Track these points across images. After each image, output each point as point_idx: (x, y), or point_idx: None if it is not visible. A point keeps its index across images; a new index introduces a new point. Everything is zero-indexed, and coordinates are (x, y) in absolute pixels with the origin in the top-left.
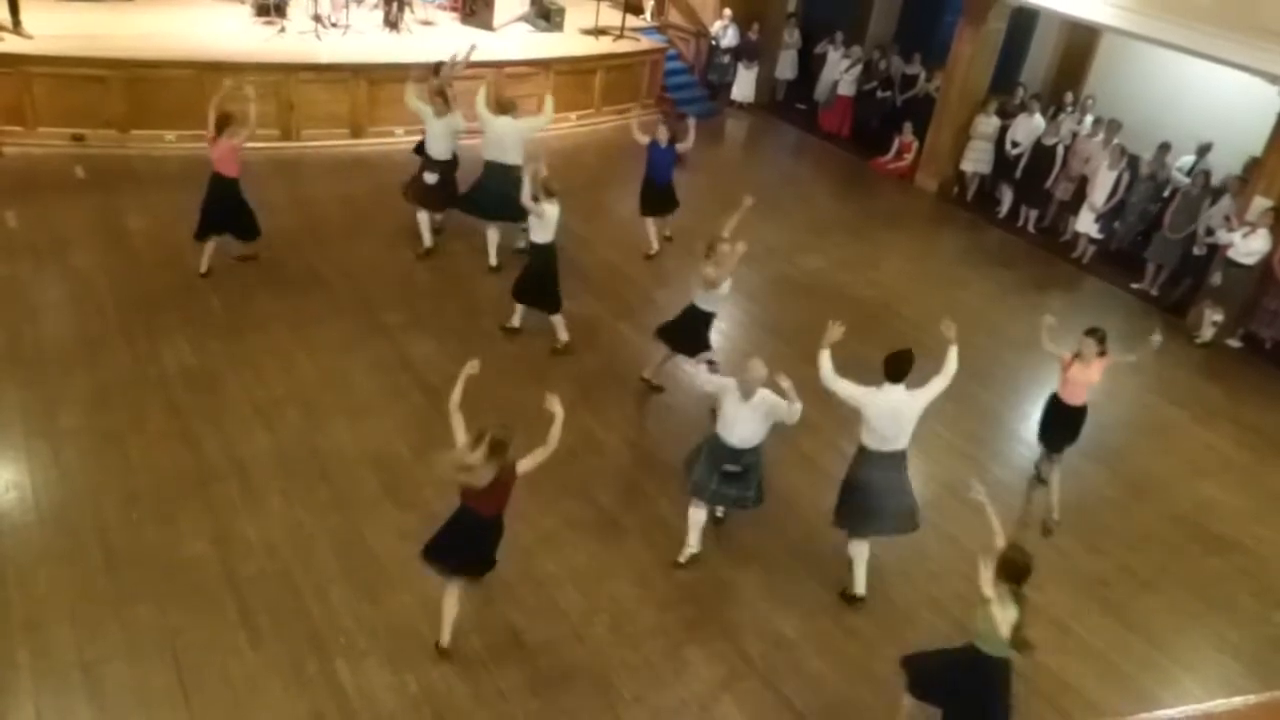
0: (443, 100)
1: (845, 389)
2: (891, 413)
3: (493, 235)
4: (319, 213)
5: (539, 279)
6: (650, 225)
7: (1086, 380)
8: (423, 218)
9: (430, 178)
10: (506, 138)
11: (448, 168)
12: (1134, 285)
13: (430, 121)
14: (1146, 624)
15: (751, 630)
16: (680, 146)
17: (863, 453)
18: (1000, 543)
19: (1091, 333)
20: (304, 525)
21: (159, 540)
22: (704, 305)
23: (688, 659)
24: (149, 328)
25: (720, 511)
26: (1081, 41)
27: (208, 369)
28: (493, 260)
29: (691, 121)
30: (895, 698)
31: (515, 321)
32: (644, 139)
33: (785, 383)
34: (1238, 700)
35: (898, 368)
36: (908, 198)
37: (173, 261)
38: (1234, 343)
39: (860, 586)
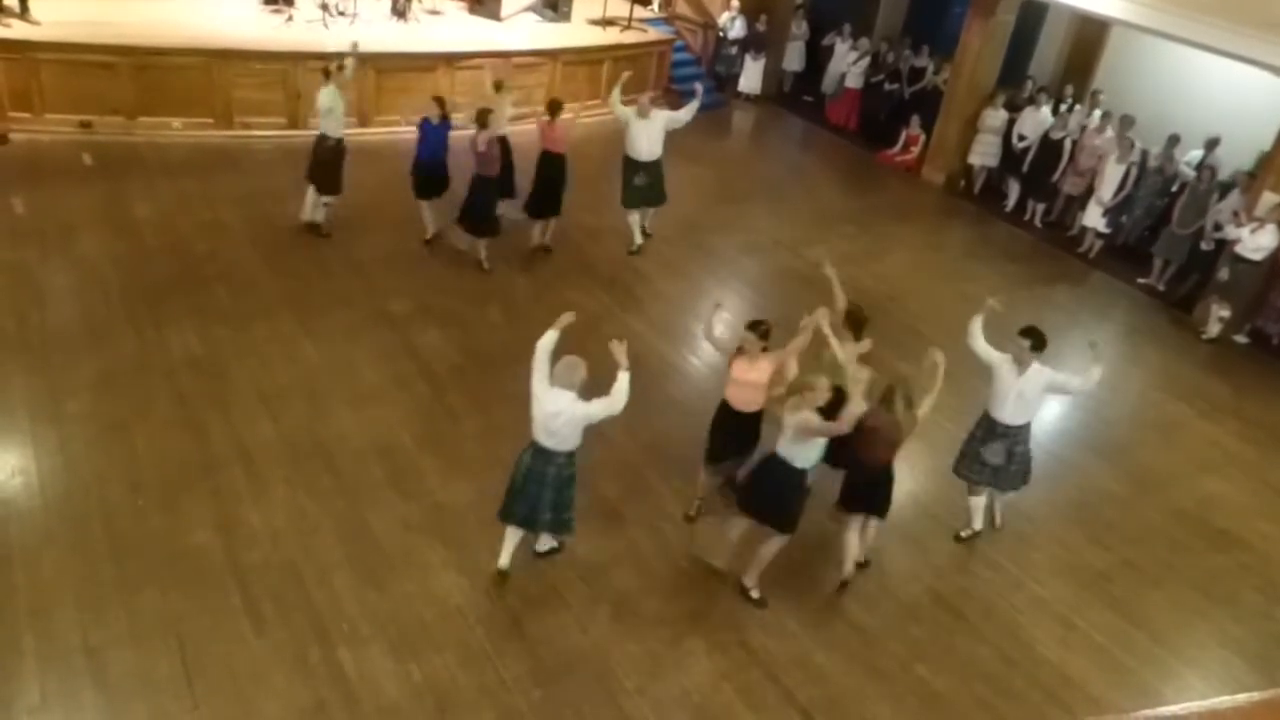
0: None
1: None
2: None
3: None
4: None
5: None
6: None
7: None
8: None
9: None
10: None
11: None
12: (1141, 280)
13: None
14: (1150, 619)
15: (754, 622)
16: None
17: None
18: (841, 305)
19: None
20: (308, 513)
21: (163, 527)
22: (794, 459)
23: (690, 650)
24: (155, 315)
25: None
26: (1091, 35)
27: (213, 357)
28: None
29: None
30: (899, 695)
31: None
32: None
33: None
34: (1243, 698)
35: (1038, 340)
36: (914, 191)
37: (179, 249)
38: (1240, 338)
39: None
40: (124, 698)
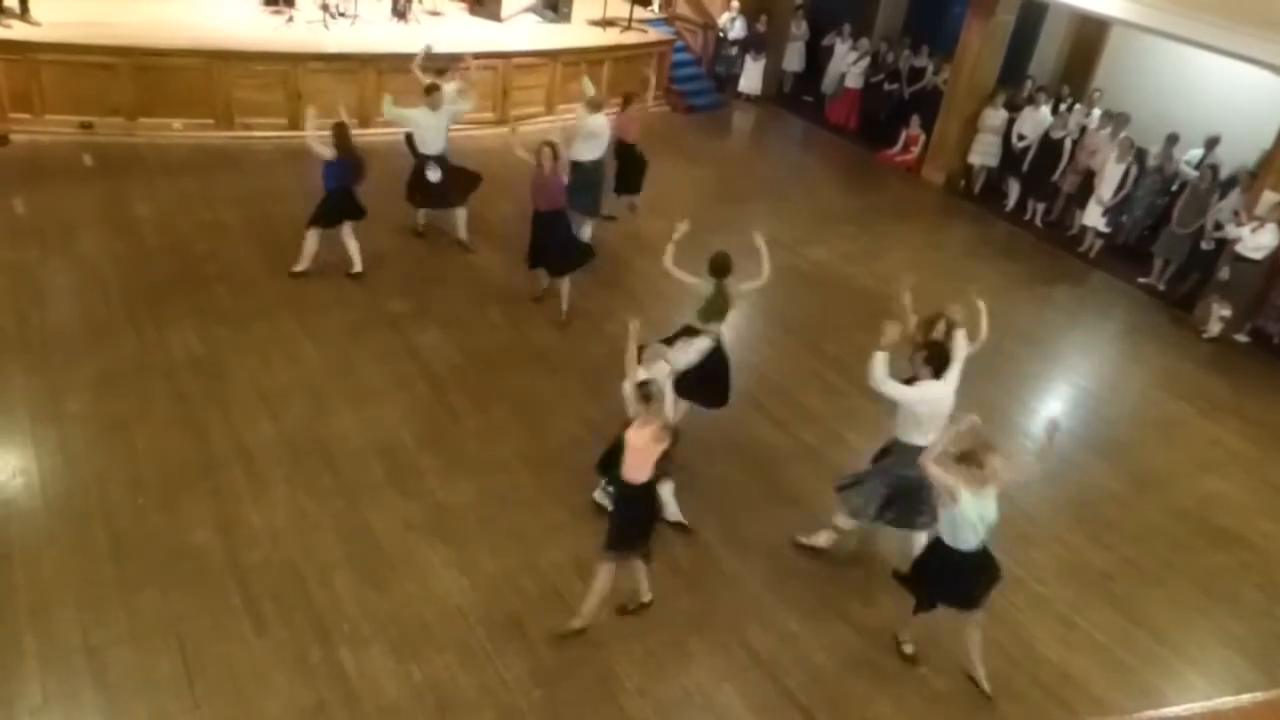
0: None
1: (895, 390)
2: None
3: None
4: None
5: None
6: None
7: None
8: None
9: (433, 175)
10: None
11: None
12: (1141, 279)
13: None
14: (1151, 618)
15: (755, 623)
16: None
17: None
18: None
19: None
20: (308, 513)
21: (164, 527)
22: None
23: (691, 650)
24: (155, 315)
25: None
26: (1090, 34)
27: (213, 356)
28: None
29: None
30: (901, 695)
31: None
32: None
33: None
34: (1245, 698)
35: (940, 360)
36: (914, 190)
37: (179, 249)
38: (1241, 338)
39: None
40: (125, 697)
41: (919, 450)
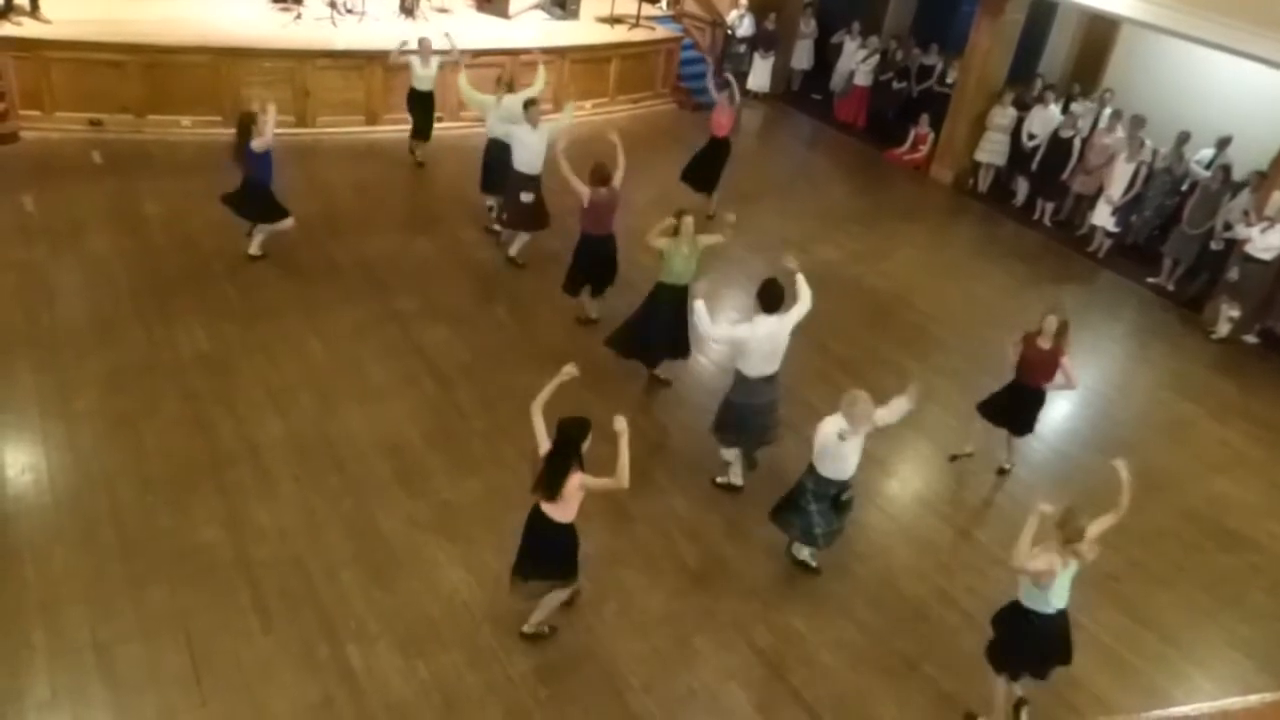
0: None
1: (725, 331)
2: (769, 339)
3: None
4: (333, 199)
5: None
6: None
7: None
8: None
9: (526, 197)
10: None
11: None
12: (1150, 279)
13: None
14: (1158, 619)
15: (761, 621)
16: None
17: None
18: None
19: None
20: (316, 510)
21: (172, 523)
22: (1034, 605)
23: (696, 648)
24: (164, 312)
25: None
26: (1101, 33)
27: (221, 354)
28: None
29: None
30: (905, 695)
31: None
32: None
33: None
34: (1254, 698)
35: (771, 299)
36: (923, 189)
37: (188, 247)
38: (1250, 338)
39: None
40: (132, 693)
41: (757, 380)
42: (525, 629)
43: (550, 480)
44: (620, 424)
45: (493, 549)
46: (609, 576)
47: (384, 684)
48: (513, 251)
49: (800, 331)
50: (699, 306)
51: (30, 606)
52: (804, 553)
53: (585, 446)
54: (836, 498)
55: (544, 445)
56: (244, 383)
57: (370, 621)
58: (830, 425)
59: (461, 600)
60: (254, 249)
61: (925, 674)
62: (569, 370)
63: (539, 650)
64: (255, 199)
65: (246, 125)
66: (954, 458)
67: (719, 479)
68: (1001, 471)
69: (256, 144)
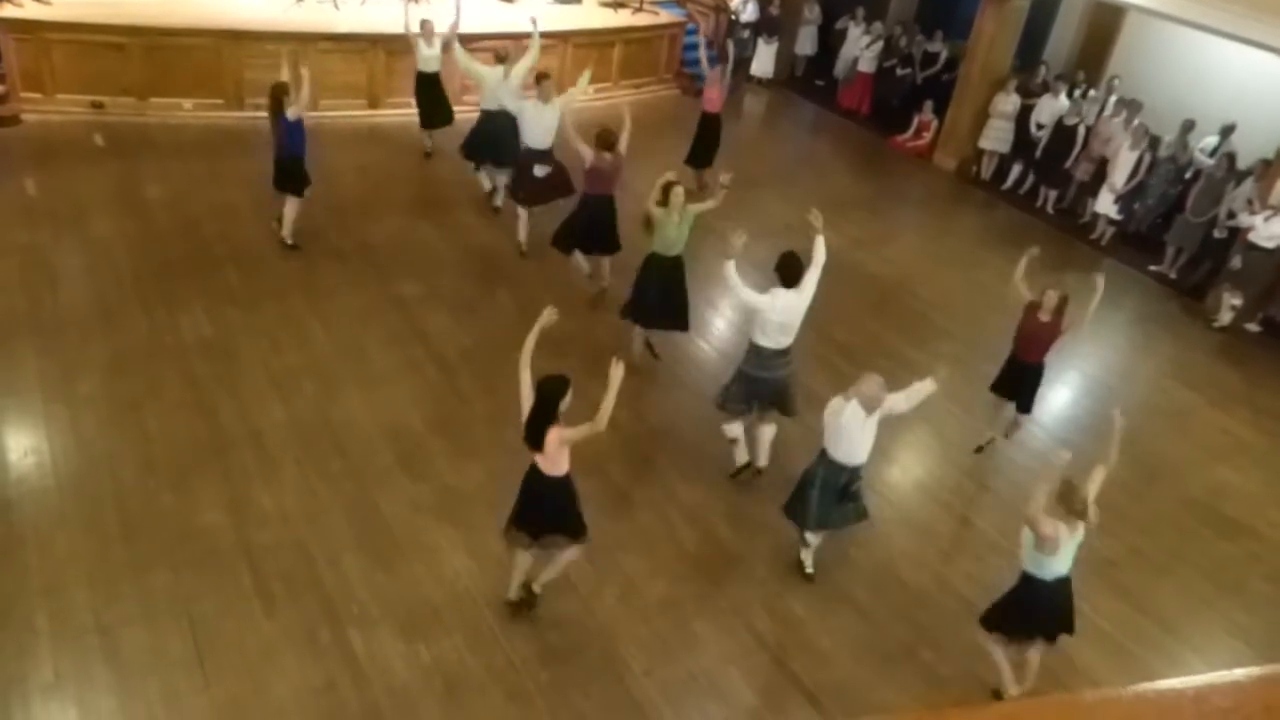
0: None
1: (748, 295)
2: (785, 311)
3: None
4: (336, 183)
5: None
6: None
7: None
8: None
9: (540, 170)
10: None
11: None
12: (1153, 267)
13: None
14: (1157, 607)
15: (761, 606)
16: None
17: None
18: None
19: None
20: (318, 495)
21: (175, 507)
22: (1037, 571)
23: (697, 633)
24: (166, 297)
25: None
26: (1106, 20)
27: (224, 338)
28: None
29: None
30: (904, 681)
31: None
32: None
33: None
34: (1239, 672)
35: (791, 273)
36: (926, 176)
37: (190, 230)
38: (1253, 327)
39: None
40: (136, 676)
41: (770, 352)
42: (534, 586)
43: (531, 434)
44: (617, 371)
45: (495, 534)
46: (610, 561)
47: (386, 668)
48: (521, 237)
49: (805, 319)
50: (729, 266)
51: (33, 590)
52: (805, 555)
53: (564, 404)
54: (846, 487)
55: (527, 402)
56: (246, 367)
57: (372, 605)
58: (838, 403)
59: (463, 585)
60: (288, 237)
61: (924, 660)
62: (548, 315)
63: (540, 634)
64: (289, 170)
65: (279, 95)
66: (979, 449)
67: (735, 470)
68: (979, 450)
69: (291, 112)
